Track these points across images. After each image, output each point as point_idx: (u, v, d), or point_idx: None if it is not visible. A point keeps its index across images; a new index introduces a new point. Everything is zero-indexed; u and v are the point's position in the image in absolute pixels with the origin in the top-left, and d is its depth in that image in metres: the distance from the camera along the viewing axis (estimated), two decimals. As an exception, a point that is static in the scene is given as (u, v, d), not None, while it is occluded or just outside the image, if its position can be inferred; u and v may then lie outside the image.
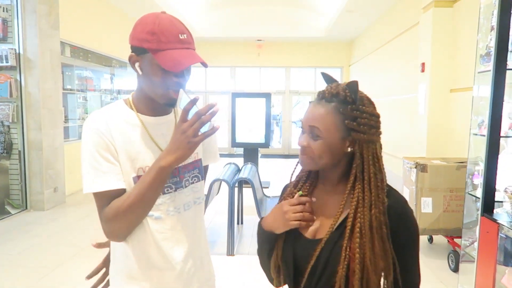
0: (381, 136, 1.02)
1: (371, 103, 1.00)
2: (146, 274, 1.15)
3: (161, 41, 1.03)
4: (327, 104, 0.98)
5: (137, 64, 1.09)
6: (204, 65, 1.10)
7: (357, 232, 0.93)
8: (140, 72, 1.09)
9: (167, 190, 1.15)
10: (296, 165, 1.10)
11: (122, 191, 1.07)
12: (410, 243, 0.99)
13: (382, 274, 0.94)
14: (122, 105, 1.15)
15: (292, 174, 1.14)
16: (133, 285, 1.16)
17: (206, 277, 1.29)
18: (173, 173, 1.15)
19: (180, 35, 1.05)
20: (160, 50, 1.03)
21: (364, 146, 0.97)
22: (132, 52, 1.09)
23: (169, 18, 1.06)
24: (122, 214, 1.04)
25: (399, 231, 0.96)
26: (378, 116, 1.00)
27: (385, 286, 0.97)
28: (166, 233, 1.15)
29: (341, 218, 0.99)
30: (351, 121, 0.96)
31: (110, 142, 1.07)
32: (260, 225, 1.11)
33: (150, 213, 1.12)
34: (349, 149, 0.99)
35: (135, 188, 1.05)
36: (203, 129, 1.02)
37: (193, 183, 1.22)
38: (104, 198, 1.06)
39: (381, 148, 1.04)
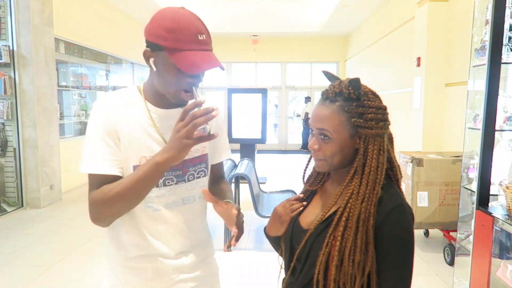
0: (389, 127, 1.01)
1: (376, 97, 1.00)
2: (140, 264, 1.16)
3: (179, 40, 0.99)
4: (332, 105, 0.98)
5: (151, 60, 1.06)
6: (221, 68, 1.06)
7: (342, 221, 0.94)
8: (154, 69, 1.06)
9: (168, 182, 1.14)
10: (308, 161, 1.13)
11: (115, 178, 1.06)
12: (390, 247, 0.92)
13: (360, 268, 0.91)
14: (134, 92, 1.15)
15: (305, 170, 1.18)
16: (128, 274, 1.17)
17: (210, 273, 1.30)
18: (177, 165, 1.13)
19: (199, 35, 1.01)
20: (177, 50, 1.00)
21: (371, 141, 0.96)
22: (147, 46, 1.06)
23: (189, 16, 1.02)
24: (107, 200, 1.03)
25: (382, 229, 0.93)
26: (384, 109, 0.99)
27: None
28: (162, 226, 1.15)
29: (332, 210, 1.00)
30: (358, 118, 0.96)
31: (113, 127, 1.07)
32: (266, 234, 1.18)
33: (149, 204, 1.12)
34: (360, 145, 0.98)
35: (127, 178, 1.03)
36: (199, 131, 0.99)
37: (199, 177, 1.21)
38: (96, 181, 1.06)
39: (391, 140, 1.05)
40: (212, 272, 1.32)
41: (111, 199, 1.02)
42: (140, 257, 1.16)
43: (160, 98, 1.12)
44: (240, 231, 1.16)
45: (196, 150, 1.19)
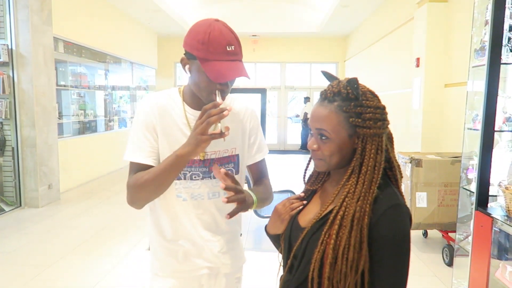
0: (388, 126, 1.01)
1: (374, 96, 0.99)
2: (173, 246, 1.32)
3: (209, 51, 1.12)
4: (330, 105, 0.98)
5: (187, 67, 1.20)
6: (247, 77, 1.17)
7: (338, 220, 0.94)
8: (189, 74, 1.21)
9: (195, 177, 1.28)
10: (309, 162, 1.15)
11: (149, 167, 1.21)
12: (384, 247, 0.92)
13: (354, 266, 0.91)
14: (175, 94, 1.30)
15: (305, 171, 1.19)
16: (164, 254, 1.33)
17: (234, 264, 1.39)
18: (204, 163, 1.27)
19: (227, 46, 1.13)
20: (207, 60, 1.12)
21: (369, 141, 0.96)
22: (184, 54, 1.20)
23: (220, 29, 1.13)
24: (138, 185, 1.19)
25: (377, 228, 0.92)
26: (383, 108, 0.99)
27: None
28: (189, 214, 1.30)
29: (329, 209, 1.00)
30: (356, 118, 0.96)
31: (153, 123, 1.24)
32: (267, 232, 1.21)
33: (179, 194, 1.28)
34: (358, 145, 0.99)
35: (154, 168, 1.19)
36: (212, 129, 1.10)
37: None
38: (133, 168, 1.24)
39: (390, 139, 1.04)
40: (235, 264, 1.41)
41: (141, 185, 1.18)
42: (173, 240, 1.31)
43: (196, 101, 1.26)
44: (239, 202, 1.17)
45: (225, 151, 1.30)
